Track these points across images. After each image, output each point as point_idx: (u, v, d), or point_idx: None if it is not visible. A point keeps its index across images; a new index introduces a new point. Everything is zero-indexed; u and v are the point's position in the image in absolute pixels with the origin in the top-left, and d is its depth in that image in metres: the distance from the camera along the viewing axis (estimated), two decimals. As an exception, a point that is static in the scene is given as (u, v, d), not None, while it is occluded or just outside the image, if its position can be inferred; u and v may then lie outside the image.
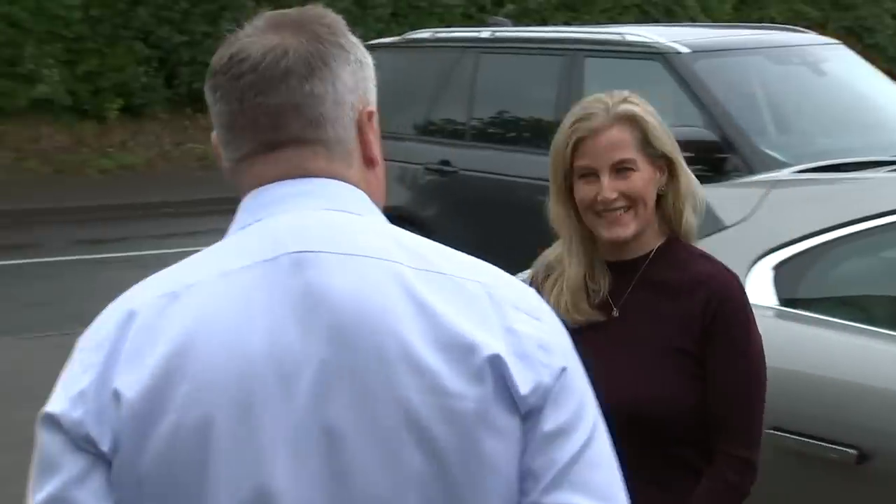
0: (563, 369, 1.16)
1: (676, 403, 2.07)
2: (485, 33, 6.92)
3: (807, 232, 3.10)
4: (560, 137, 2.16)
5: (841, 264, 3.16)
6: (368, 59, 1.25)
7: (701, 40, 6.28)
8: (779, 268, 3.09)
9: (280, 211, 1.19)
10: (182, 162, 12.86)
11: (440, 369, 1.12)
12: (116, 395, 1.12)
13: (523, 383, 1.14)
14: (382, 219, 1.23)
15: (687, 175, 2.18)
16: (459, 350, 1.13)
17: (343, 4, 13.48)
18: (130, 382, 1.12)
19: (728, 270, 2.18)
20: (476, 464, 1.12)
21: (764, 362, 2.17)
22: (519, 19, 13.80)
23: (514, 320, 1.16)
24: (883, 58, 15.72)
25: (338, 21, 1.25)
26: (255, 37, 1.22)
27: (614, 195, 2.10)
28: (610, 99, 2.14)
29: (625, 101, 2.15)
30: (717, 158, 5.44)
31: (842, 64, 6.50)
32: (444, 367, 1.12)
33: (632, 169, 2.11)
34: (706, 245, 3.30)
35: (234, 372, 1.11)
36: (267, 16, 1.25)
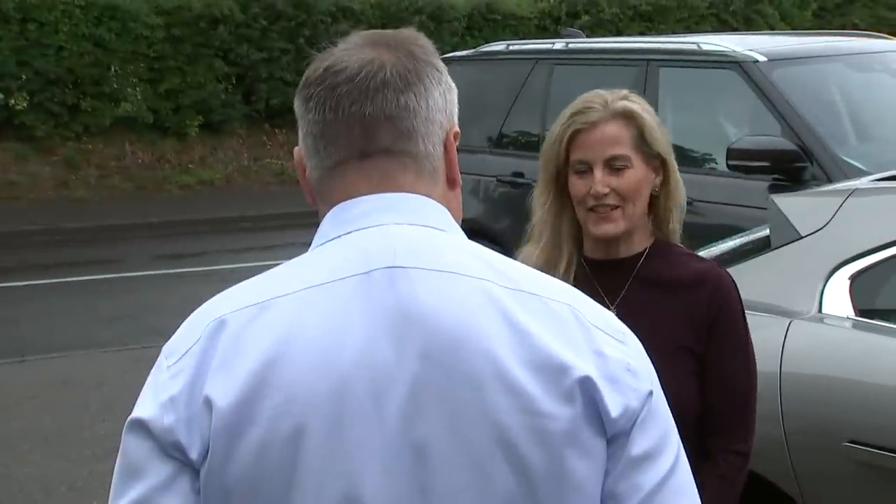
0: (650, 393, 1.18)
1: (684, 402, 2.07)
2: (558, 45, 6.92)
3: (885, 241, 3.05)
4: (556, 129, 2.17)
5: (920, 274, 3.10)
6: (454, 84, 1.28)
7: (778, 48, 6.21)
8: (856, 278, 3.04)
9: (368, 224, 1.20)
10: (259, 177, 13.06)
11: (533, 390, 1.13)
12: (208, 403, 1.13)
13: (613, 406, 1.15)
14: (464, 236, 1.24)
15: (677, 178, 2.18)
16: (551, 371, 1.14)
17: (419, 18, 13.60)
18: (222, 391, 1.13)
19: (722, 267, 2.20)
20: (564, 484, 1.13)
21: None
22: (593, 30, 13.77)
23: (601, 343, 1.17)
24: (971, 63, 15.36)
25: (430, 44, 1.27)
26: (351, 51, 1.24)
27: (606, 190, 2.11)
28: (609, 95, 2.16)
29: (624, 98, 2.16)
30: (796, 168, 5.36)
31: (925, 70, 6.37)
32: (537, 388, 1.13)
33: (626, 166, 2.12)
34: (782, 255, 3.28)
35: (326, 384, 1.12)
36: (363, 34, 1.27)
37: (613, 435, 1.15)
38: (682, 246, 2.21)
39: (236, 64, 13.28)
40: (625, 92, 2.19)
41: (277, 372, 1.12)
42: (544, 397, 1.13)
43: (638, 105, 2.16)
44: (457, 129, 1.26)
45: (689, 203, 6.40)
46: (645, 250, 2.17)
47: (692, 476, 1.19)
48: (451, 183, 1.26)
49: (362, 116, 1.21)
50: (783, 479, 2.96)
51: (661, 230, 2.18)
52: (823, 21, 15.55)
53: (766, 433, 2.97)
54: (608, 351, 1.17)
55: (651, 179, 2.15)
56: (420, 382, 1.12)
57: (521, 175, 6.57)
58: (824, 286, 3.05)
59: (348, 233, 1.20)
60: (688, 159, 6.06)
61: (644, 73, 6.12)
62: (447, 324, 1.13)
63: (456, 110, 1.27)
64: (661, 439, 1.17)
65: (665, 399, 1.21)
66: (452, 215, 1.25)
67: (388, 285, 1.15)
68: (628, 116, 2.14)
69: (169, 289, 8.40)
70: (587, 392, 1.14)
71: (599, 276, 2.16)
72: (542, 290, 1.19)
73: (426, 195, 1.23)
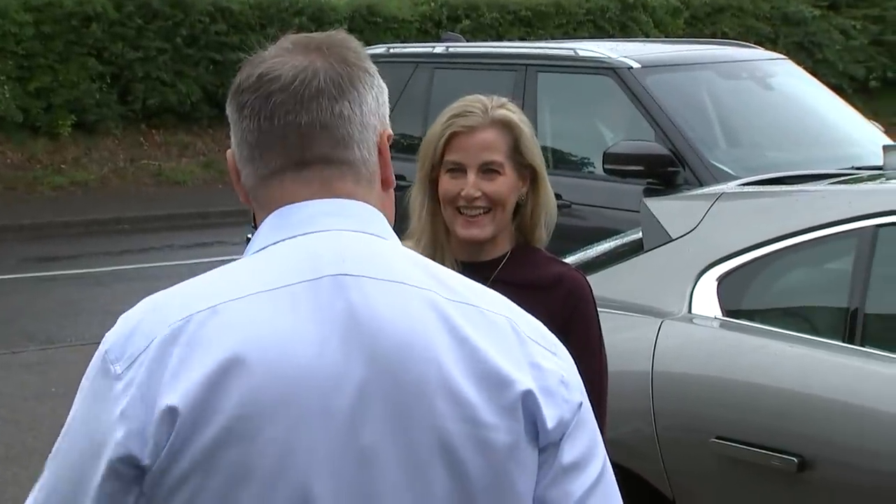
0: (580, 404, 1.22)
1: None
2: (439, 48, 6.97)
3: (750, 244, 3.16)
4: (435, 129, 2.23)
5: (783, 275, 3.22)
6: (384, 84, 1.29)
7: (651, 55, 6.37)
8: (723, 279, 3.14)
9: (313, 229, 1.20)
10: (136, 178, 12.78)
11: (475, 400, 1.16)
12: (162, 410, 1.12)
13: (550, 419, 1.18)
14: (400, 243, 1.26)
15: (547, 189, 2.25)
16: (494, 383, 1.17)
17: (299, 20, 13.50)
18: (178, 394, 1.13)
19: (579, 270, 2.27)
20: (502, 494, 1.16)
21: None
22: (474, 35, 13.89)
23: (537, 356, 1.20)
24: (832, 73, 15.98)
25: (361, 47, 1.28)
26: (283, 57, 1.24)
27: (478, 194, 2.18)
28: (490, 102, 2.22)
29: (503, 106, 2.23)
30: (668, 172, 5.51)
31: (788, 78, 6.61)
32: (480, 400, 1.16)
33: (498, 172, 2.19)
34: (653, 257, 3.37)
35: (279, 389, 1.13)
36: (293, 38, 1.27)
37: (545, 445, 1.18)
38: (544, 251, 2.27)
39: (111, 63, 12.96)
40: (504, 100, 2.25)
41: (231, 377, 1.13)
42: (486, 408, 1.16)
43: (516, 114, 2.22)
44: (389, 130, 1.28)
45: (567, 206, 6.48)
46: (507, 254, 2.22)
47: (616, 481, 1.24)
48: (385, 184, 1.28)
49: (298, 125, 1.22)
50: (655, 476, 3.04)
51: (526, 236, 2.24)
52: (695, 29, 15.98)
53: (639, 431, 3.06)
54: (544, 363, 1.20)
55: (519, 188, 2.21)
56: (368, 389, 1.14)
57: (402, 178, 6.56)
58: (693, 287, 3.15)
59: (294, 237, 1.21)
60: (566, 163, 6.18)
61: (523, 77, 6.21)
62: (396, 332, 1.16)
63: (387, 111, 1.28)
64: (590, 448, 1.21)
65: (591, 407, 1.25)
66: (387, 217, 1.27)
67: (338, 292, 1.16)
68: (506, 125, 2.20)
69: (40, 292, 8.15)
70: (528, 406, 1.17)
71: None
72: (481, 301, 1.22)
73: (365, 201, 1.24)
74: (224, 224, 10.56)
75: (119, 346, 1.17)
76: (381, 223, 1.25)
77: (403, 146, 6.94)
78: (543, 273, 2.21)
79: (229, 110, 1.26)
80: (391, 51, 7.27)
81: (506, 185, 2.18)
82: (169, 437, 1.12)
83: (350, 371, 1.15)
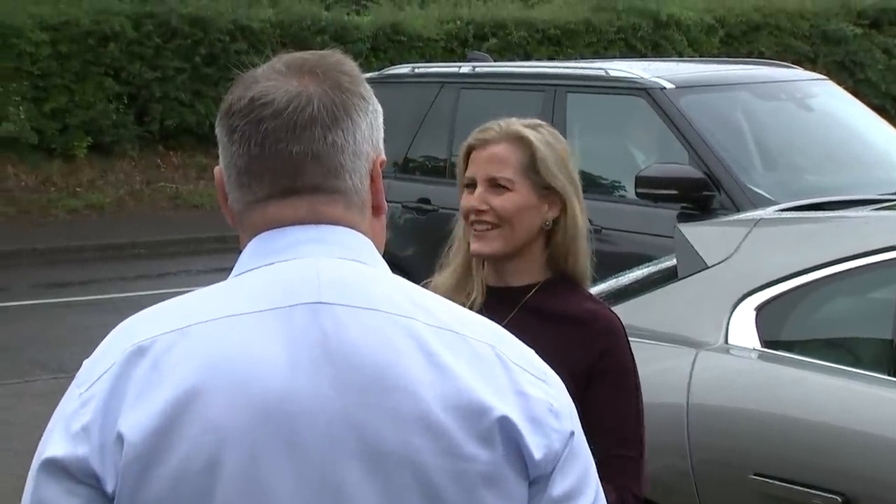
0: (572, 434, 1.21)
1: None
2: (465, 68, 7.00)
3: (790, 272, 3.14)
4: (461, 147, 2.28)
5: (824, 305, 3.20)
6: (379, 106, 1.30)
7: (685, 75, 6.37)
8: (761, 308, 3.12)
9: (293, 256, 1.21)
10: (152, 201, 12.87)
11: (454, 432, 1.16)
12: (120, 436, 1.13)
13: (536, 448, 1.18)
14: (388, 269, 1.26)
15: (577, 217, 2.22)
16: (471, 413, 1.17)
17: (321, 38, 13.60)
18: (136, 421, 1.14)
19: (612, 311, 2.25)
20: None
21: None
22: (501, 54, 13.94)
23: (523, 383, 1.20)
24: (875, 93, 15.92)
25: (356, 69, 1.29)
26: (276, 81, 1.24)
27: (483, 206, 2.19)
28: (513, 120, 2.25)
29: (529, 126, 2.23)
30: (703, 196, 5.50)
31: (829, 99, 6.59)
32: (458, 431, 1.16)
33: (507, 188, 2.19)
34: (688, 285, 3.36)
35: (245, 418, 1.14)
36: (286, 59, 1.27)
37: (536, 477, 1.18)
38: (583, 287, 2.25)
39: (128, 83, 13.09)
40: (537, 121, 2.27)
41: (196, 403, 1.14)
42: (465, 439, 1.16)
43: (538, 134, 2.22)
44: (383, 157, 1.28)
45: (597, 231, 6.48)
46: (538, 283, 2.22)
47: None
48: (376, 210, 1.28)
49: (289, 154, 1.22)
50: (691, 512, 3.02)
51: (559, 267, 2.22)
52: (730, 48, 15.98)
53: (673, 466, 3.03)
54: (530, 391, 1.20)
55: (542, 211, 2.20)
56: (340, 420, 1.14)
57: (427, 201, 6.61)
58: (730, 317, 3.13)
59: (272, 263, 1.21)
60: (596, 186, 6.17)
61: (552, 98, 6.22)
62: (370, 362, 1.16)
63: (381, 135, 1.29)
64: (582, 479, 1.21)
65: (584, 436, 1.24)
66: (377, 244, 1.27)
67: (312, 321, 1.17)
68: (520, 140, 2.20)
69: (54, 319, 8.21)
70: (507, 433, 1.17)
71: (489, 302, 2.21)
72: (465, 328, 1.22)
73: (353, 227, 1.25)
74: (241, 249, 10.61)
75: (88, 368, 1.20)
76: (367, 250, 1.25)
77: (428, 169, 6.96)
78: (576, 307, 2.19)
79: (218, 131, 1.27)
80: (416, 70, 7.30)
81: (514, 202, 2.18)
82: (124, 463, 1.13)
83: (321, 401, 1.14)
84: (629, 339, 2.22)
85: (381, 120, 1.29)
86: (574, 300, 2.21)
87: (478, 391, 1.17)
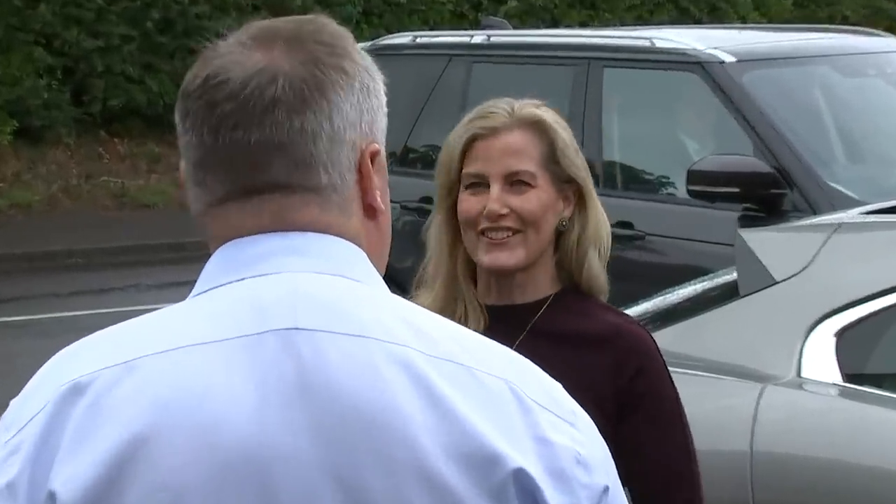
0: (605, 489, 1.21)
1: None
2: (478, 38, 7.02)
3: (877, 289, 3.14)
4: (452, 138, 2.24)
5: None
6: (379, 82, 1.29)
7: (750, 46, 6.38)
8: (842, 334, 3.13)
9: (261, 272, 1.22)
10: (93, 199, 12.90)
11: (458, 486, 1.16)
12: (52, 494, 1.14)
13: None
14: (383, 286, 1.26)
15: (597, 211, 2.24)
16: (480, 462, 1.16)
17: (302, 1, 13.64)
18: (71, 476, 1.14)
19: (640, 324, 2.26)
20: None
21: None
22: (522, 20, 13.97)
23: (545, 427, 1.20)
24: None
25: (341, 37, 1.28)
26: (237, 55, 1.25)
27: (504, 210, 2.18)
28: (517, 103, 2.23)
29: (536, 106, 2.24)
30: (772, 195, 5.50)
31: (928, 76, 6.60)
32: (463, 483, 1.16)
33: (529, 185, 2.19)
34: (751, 305, 3.36)
35: (204, 470, 1.15)
36: (255, 27, 1.28)
37: None
38: (599, 298, 2.27)
39: (63, 53, 13.14)
40: (537, 102, 2.27)
41: (145, 452, 1.14)
42: (472, 497, 1.16)
43: (550, 115, 2.24)
44: (376, 145, 1.28)
45: (640, 237, 6.46)
46: (548, 298, 2.22)
47: None
48: (368, 212, 1.28)
49: (247, 144, 1.23)
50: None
51: (572, 276, 2.23)
52: (807, 12, 16.00)
53: (734, 528, 3.03)
54: (554, 437, 1.20)
55: (559, 210, 2.21)
56: (321, 473, 1.15)
57: (430, 201, 6.61)
58: (804, 344, 3.13)
59: (240, 279, 1.22)
60: (639, 182, 6.17)
61: (585, 74, 6.23)
62: (357, 401, 1.16)
63: (380, 118, 1.29)
64: None
65: (623, 491, 1.25)
66: (371, 252, 1.27)
67: (286, 351, 1.17)
68: (538, 126, 2.21)
69: (-29, 345, 8.24)
70: (523, 489, 1.17)
71: (490, 325, 2.20)
72: (474, 360, 1.21)
73: (337, 234, 1.25)
74: (204, 258, 10.58)
75: (15, 409, 1.20)
76: (355, 261, 1.25)
77: (432, 161, 6.96)
78: (595, 323, 2.20)
79: (176, 118, 1.28)
80: (418, 41, 7.32)
81: (539, 200, 2.19)
82: None
83: (298, 450, 1.15)
84: (674, 368, 2.24)
85: (377, 100, 1.28)
86: (592, 315, 2.22)
87: (488, 437, 1.17)
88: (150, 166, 13.46)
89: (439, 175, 2.26)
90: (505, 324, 2.18)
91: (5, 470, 1.16)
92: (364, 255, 1.26)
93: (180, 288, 10.24)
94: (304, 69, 1.24)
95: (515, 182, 2.20)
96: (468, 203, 2.21)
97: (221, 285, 1.23)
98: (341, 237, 1.25)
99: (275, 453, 1.15)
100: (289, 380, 1.17)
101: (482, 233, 2.20)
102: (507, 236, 2.19)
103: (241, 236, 1.24)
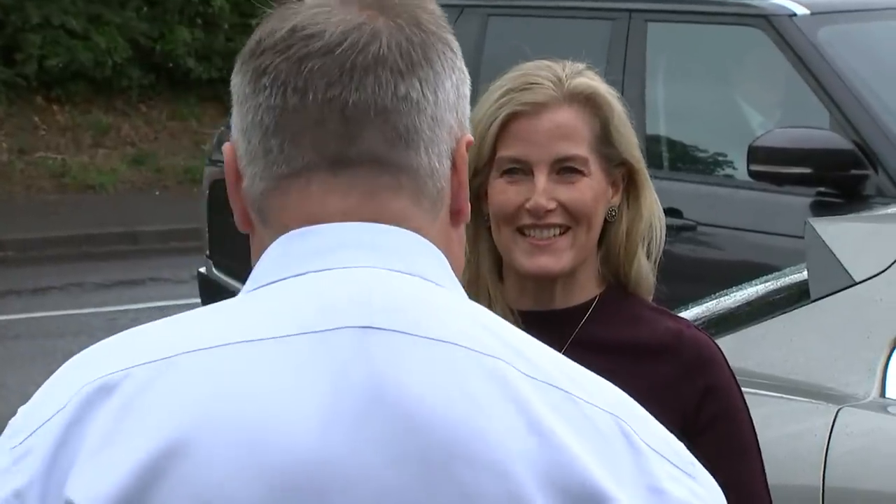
0: None
1: None
2: (495, -14, 7.03)
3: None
4: (482, 111, 2.20)
5: None
6: (467, 73, 1.33)
7: (826, -3, 6.38)
8: (936, 347, 3.14)
9: (333, 264, 1.24)
10: (27, 179, 12.93)
11: None
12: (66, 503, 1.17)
13: None
14: (466, 296, 1.29)
15: (651, 199, 2.25)
16: (583, 500, 1.18)
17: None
18: (92, 487, 1.17)
19: (703, 330, 2.28)
20: None
21: None
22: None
23: (660, 475, 1.22)
24: None
25: (441, 11, 1.32)
26: (330, 9, 1.27)
27: (552, 205, 2.17)
28: (563, 68, 2.21)
29: (584, 74, 2.22)
30: (851, 176, 5.51)
31: None
32: None
33: (581, 172, 2.18)
34: (825, 310, 3.37)
35: (253, 490, 1.17)
36: None
37: None
38: (647, 300, 2.28)
39: (-8, 2, 13.17)
40: (581, 66, 2.25)
41: (180, 465, 1.17)
42: None
43: (603, 85, 2.24)
44: (469, 136, 1.31)
45: (691, 227, 6.45)
46: (593, 301, 2.24)
47: None
48: (455, 216, 1.31)
49: (343, 106, 1.25)
50: None
51: (619, 275, 2.25)
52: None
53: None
54: (670, 487, 1.22)
55: (609, 198, 2.22)
56: (392, 498, 1.17)
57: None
58: (889, 358, 3.14)
59: (302, 273, 1.24)
60: (689, 161, 6.19)
61: (624, 30, 6.24)
62: (439, 418, 1.18)
63: (468, 111, 1.32)
64: None
65: None
66: (452, 265, 1.30)
67: (358, 353, 1.19)
68: (591, 101, 2.20)
69: None
70: None
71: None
72: (576, 387, 1.24)
73: (420, 231, 1.27)
74: (163, 251, 10.61)
75: (27, 413, 1.23)
76: (437, 264, 1.28)
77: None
78: (650, 329, 2.21)
79: (237, 82, 1.29)
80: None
81: (591, 191, 2.19)
82: None
83: (366, 470, 1.17)
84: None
85: (468, 90, 1.31)
86: (645, 319, 2.23)
87: (593, 472, 1.19)
88: (96, 139, 13.48)
89: (476, 158, 2.22)
90: (543, 333, 2.19)
91: (12, 478, 1.19)
92: (444, 259, 1.29)
93: (133, 287, 10.28)
94: (409, 31, 1.27)
95: (563, 170, 2.19)
96: (505, 195, 2.20)
97: (280, 280, 1.25)
98: (422, 235, 1.28)
99: (337, 475, 1.17)
100: (360, 387, 1.18)
101: (520, 231, 2.20)
102: (554, 235, 2.19)
103: (319, 221, 1.25)
